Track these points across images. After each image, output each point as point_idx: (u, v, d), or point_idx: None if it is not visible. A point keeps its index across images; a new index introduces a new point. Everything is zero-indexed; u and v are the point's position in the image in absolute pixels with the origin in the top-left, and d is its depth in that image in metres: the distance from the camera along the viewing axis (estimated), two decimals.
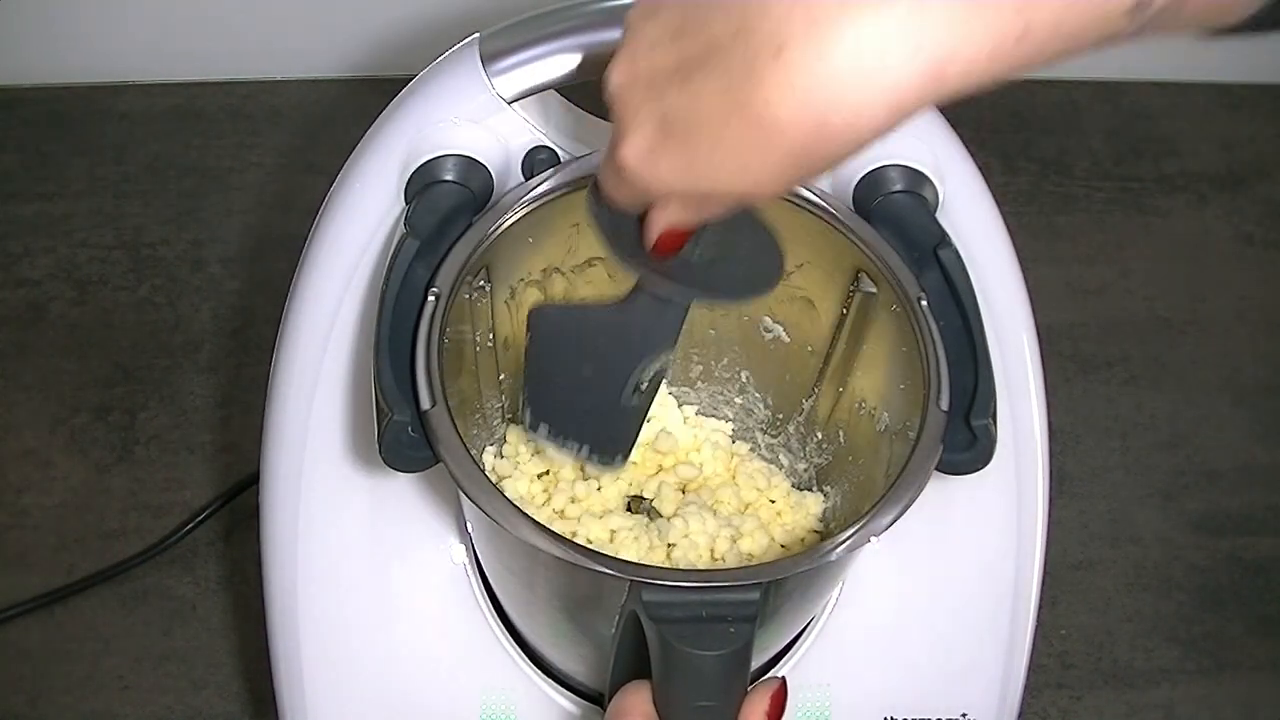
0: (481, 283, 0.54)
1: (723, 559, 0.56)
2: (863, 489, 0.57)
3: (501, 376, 0.59)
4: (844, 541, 0.46)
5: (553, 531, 0.47)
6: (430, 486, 0.60)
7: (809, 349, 0.59)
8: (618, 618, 0.48)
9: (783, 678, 0.48)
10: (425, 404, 0.48)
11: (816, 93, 0.33)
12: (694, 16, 0.36)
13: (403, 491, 0.60)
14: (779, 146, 0.35)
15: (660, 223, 0.42)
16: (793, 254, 0.56)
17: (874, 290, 0.53)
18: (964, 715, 0.62)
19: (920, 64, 0.33)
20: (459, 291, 0.51)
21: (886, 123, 0.34)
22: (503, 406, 0.60)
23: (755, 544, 0.56)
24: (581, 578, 0.48)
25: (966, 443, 0.49)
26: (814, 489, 0.61)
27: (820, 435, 0.60)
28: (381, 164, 0.57)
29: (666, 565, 0.55)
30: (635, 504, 0.60)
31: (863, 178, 0.56)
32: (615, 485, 0.60)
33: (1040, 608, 0.62)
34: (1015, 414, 0.59)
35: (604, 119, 0.60)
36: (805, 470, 0.61)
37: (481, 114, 0.56)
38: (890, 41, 0.33)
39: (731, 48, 0.34)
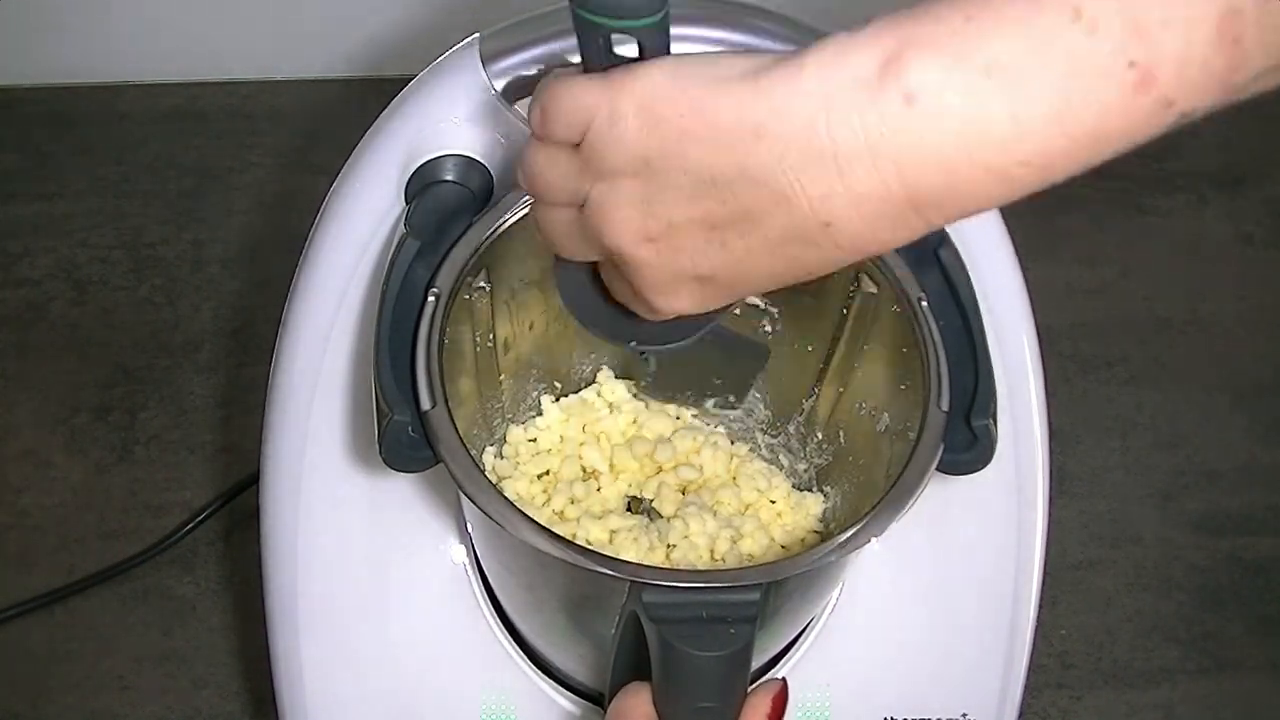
0: (481, 283, 0.54)
1: (723, 560, 0.56)
2: (863, 489, 0.57)
3: (501, 376, 0.59)
4: (844, 541, 0.46)
5: (553, 532, 0.47)
6: (430, 486, 0.60)
7: (809, 349, 0.59)
8: (618, 618, 0.48)
9: (784, 679, 0.48)
10: (425, 404, 0.48)
11: (864, 244, 0.36)
12: (708, 180, 0.36)
13: (403, 491, 0.60)
14: (824, 268, 0.38)
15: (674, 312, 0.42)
16: None
17: (874, 290, 0.53)
18: (964, 715, 0.62)
19: (946, 219, 0.36)
20: (459, 291, 0.51)
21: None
22: (503, 406, 0.60)
23: (755, 545, 0.56)
24: (581, 578, 0.48)
25: (966, 443, 0.49)
26: (814, 489, 0.61)
27: (820, 435, 0.60)
28: (381, 164, 0.57)
29: (666, 566, 0.55)
30: (635, 504, 0.60)
31: None
32: (615, 486, 0.60)
33: (1040, 608, 0.62)
34: (1015, 414, 0.59)
35: None
36: (805, 471, 0.61)
37: (481, 114, 0.56)
38: (921, 201, 0.35)
39: (771, 214, 0.36)
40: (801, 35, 0.56)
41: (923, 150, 0.34)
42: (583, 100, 0.38)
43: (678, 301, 0.40)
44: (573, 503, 0.58)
